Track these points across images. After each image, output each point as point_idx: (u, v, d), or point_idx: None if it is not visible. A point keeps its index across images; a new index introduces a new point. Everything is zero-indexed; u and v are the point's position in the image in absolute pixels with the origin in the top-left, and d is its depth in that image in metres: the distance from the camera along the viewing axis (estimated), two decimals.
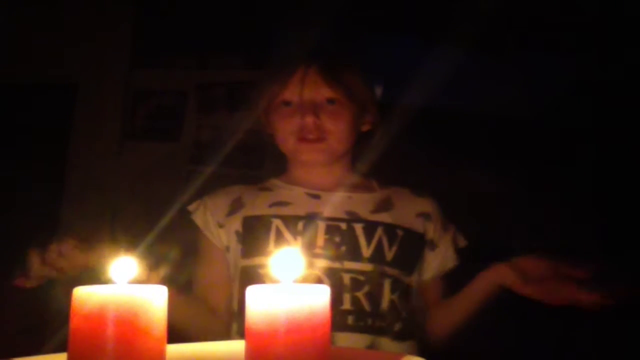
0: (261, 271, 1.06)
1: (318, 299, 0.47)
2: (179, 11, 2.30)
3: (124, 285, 0.52)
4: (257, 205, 1.13)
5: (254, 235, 1.09)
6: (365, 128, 1.18)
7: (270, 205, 1.12)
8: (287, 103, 1.12)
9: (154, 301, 0.50)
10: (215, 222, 1.14)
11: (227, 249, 1.13)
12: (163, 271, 0.97)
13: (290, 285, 0.49)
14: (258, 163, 2.09)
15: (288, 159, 1.19)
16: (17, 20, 2.24)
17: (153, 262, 1.00)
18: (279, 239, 1.07)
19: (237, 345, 0.58)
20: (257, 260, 1.07)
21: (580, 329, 1.97)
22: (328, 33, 2.02)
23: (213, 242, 1.14)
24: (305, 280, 1.03)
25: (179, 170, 2.16)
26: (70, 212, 2.13)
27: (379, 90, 2.24)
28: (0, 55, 2.18)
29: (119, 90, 2.26)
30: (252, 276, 1.06)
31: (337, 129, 1.10)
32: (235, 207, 1.14)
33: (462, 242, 1.20)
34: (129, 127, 2.24)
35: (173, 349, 0.58)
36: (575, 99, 2.25)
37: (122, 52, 2.27)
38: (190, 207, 1.18)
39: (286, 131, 1.12)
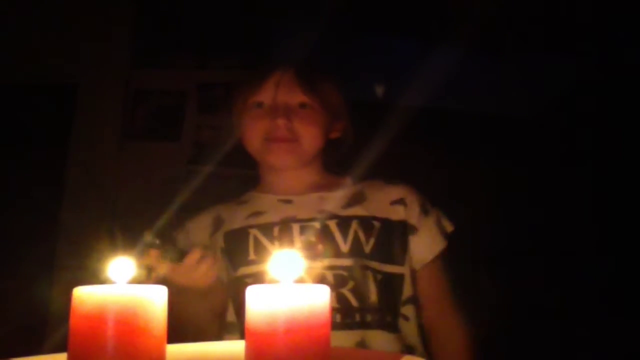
0: (248, 280, 1.07)
1: (318, 299, 0.47)
2: (178, 11, 2.30)
3: (124, 285, 0.52)
4: (236, 219, 1.15)
5: (235, 248, 1.11)
6: (334, 135, 1.19)
7: (247, 217, 1.14)
8: (259, 104, 1.13)
9: (154, 301, 0.50)
10: (202, 244, 1.13)
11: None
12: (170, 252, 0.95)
13: (290, 285, 0.49)
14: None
15: (259, 166, 1.20)
16: (17, 20, 2.24)
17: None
18: (258, 247, 1.09)
19: (237, 345, 0.58)
20: (241, 271, 1.09)
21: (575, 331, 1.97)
22: (328, 33, 2.02)
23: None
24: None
25: (179, 170, 2.16)
26: (70, 212, 2.13)
27: (379, 90, 2.24)
28: (1, 55, 2.18)
29: (119, 90, 2.25)
30: (240, 287, 1.06)
31: (308, 132, 1.11)
32: (216, 225, 1.16)
33: (448, 226, 1.16)
34: (129, 127, 2.24)
35: (173, 349, 0.58)
36: (575, 99, 2.25)
37: (122, 52, 2.27)
38: (177, 235, 1.18)
39: (254, 131, 1.13)
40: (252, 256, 1.08)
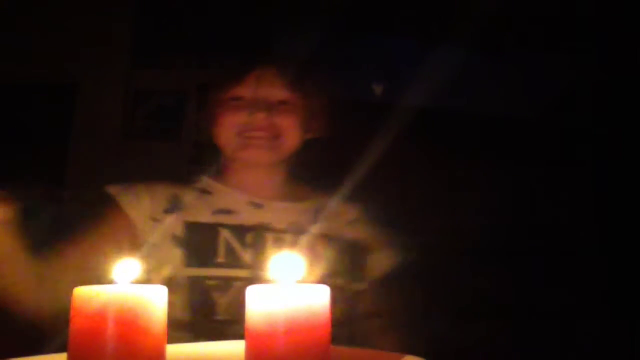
0: (210, 283, 1.02)
1: (318, 299, 0.47)
2: (178, 11, 2.30)
3: (125, 285, 0.52)
4: (200, 210, 1.09)
5: (199, 244, 1.05)
6: (309, 135, 1.16)
7: (215, 212, 1.09)
8: (237, 99, 1.10)
9: (154, 301, 0.50)
10: (149, 214, 1.07)
11: (154, 245, 1.05)
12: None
13: (290, 285, 0.49)
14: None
15: (227, 160, 1.16)
16: (17, 20, 2.23)
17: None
18: (228, 250, 1.05)
19: (237, 345, 0.58)
20: (204, 271, 1.03)
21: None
22: (329, 33, 2.02)
23: (138, 231, 1.06)
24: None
25: (179, 170, 2.16)
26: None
27: (378, 90, 2.24)
28: (1, 55, 2.18)
29: (119, 90, 2.25)
30: (198, 287, 1.03)
31: (288, 128, 1.09)
32: (173, 204, 1.09)
33: (402, 243, 1.18)
34: (129, 127, 2.24)
35: (173, 349, 0.58)
36: (575, 99, 2.25)
37: (122, 52, 2.27)
38: (114, 190, 1.10)
39: (230, 125, 1.09)
40: (220, 259, 1.04)
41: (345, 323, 1.06)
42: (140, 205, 1.07)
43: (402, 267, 1.17)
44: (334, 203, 1.17)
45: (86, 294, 0.49)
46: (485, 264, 1.98)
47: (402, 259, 1.17)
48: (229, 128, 1.09)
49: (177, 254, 1.04)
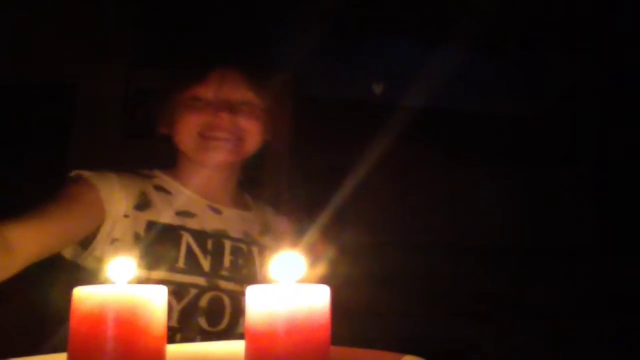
0: (165, 287, 0.98)
1: (318, 299, 0.47)
2: (179, 11, 2.30)
3: (124, 285, 0.52)
4: (163, 210, 1.05)
5: (160, 247, 1.01)
6: (267, 138, 1.14)
7: (177, 214, 1.06)
8: (197, 99, 1.07)
9: (153, 301, 0.50)
10: (123, 210, 1.01)
11: (113, 241, 1.00)
12: None
13: (290, 286, 0.49)
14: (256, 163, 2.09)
15: (183, 158, 1.13)
16: (17, 20, 2.24)
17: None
18: (190, 255, 1.02)
19: (237, 345, 0.58)
20: (162, 275, 0.98)
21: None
22: (329, 34, 2.02)
23: (107, 221, 1.00)
24: (208, 301, 1.01)
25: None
26: None
27: (377, 89, 2.24)
28: (1, 55, 2.18)
29: (119, 90, 2.25)
30: None
31: (251, 129, 1.07)
32: (142, 201, 1.05)
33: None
34: (129, 127, 2.24)
35: (173, 349, 0.58)
36: (575, 99, 2.25)
37: (122, 52, 2.27)
38: (86, 174, 1.06)
39: (190, 125, 1.06)
40: (181, 264, 1.00)
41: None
42: (115, 200, 1.02)
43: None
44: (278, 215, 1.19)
45: (86, 294, 0.48)
46: (485, 264, 1.98)
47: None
48: (191, 128, 1.06)
49: (135, 254, 0.98)
